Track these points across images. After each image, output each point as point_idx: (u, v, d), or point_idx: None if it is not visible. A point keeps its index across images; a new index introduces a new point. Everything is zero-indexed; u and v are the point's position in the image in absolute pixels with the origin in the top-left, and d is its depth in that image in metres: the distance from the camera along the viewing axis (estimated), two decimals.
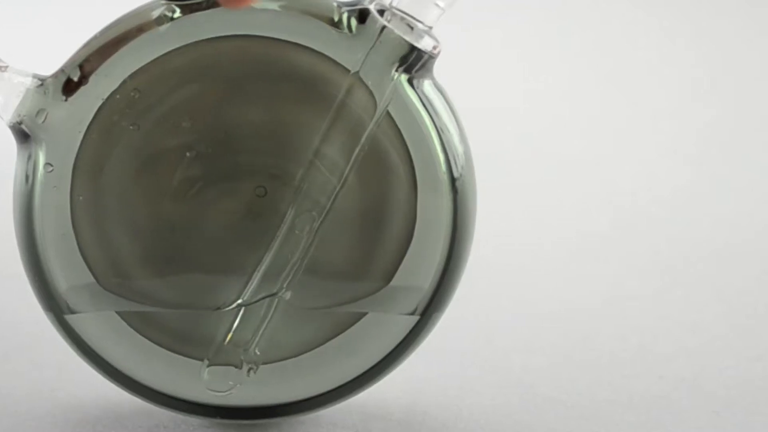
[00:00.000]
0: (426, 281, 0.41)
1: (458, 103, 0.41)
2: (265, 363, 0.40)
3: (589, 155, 0.81)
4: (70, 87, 0.39)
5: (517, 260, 0.66)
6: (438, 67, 0.41)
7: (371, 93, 0.39)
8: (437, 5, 0.40)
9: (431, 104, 0.40)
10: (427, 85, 0.40)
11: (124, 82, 0.39)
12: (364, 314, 0.41)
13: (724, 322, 0.57)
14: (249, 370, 0.40)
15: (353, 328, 0.41)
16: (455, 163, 0.40)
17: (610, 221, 0.73)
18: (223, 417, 0.41)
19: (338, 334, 0.41)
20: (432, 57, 0.40)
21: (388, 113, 0.39)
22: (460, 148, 0.40)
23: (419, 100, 0.40)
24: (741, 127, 0.83)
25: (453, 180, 0.40)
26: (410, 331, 0.41)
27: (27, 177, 0.40)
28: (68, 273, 0.40)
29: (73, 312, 0.40)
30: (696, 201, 0.76)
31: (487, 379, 0.48)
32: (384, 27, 0.39)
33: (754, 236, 0.71)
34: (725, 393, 0.47)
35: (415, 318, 0.41)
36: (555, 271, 0.65)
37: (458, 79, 0.44)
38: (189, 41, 0.39)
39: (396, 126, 0.40)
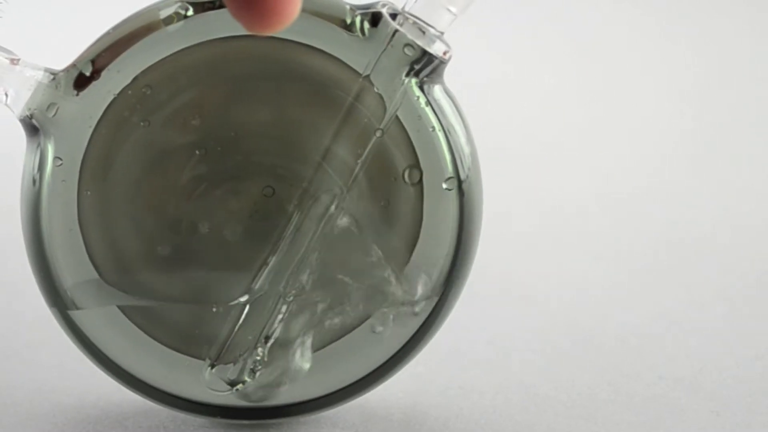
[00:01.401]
0: (432, 282, 0.41)
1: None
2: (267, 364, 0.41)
3: (591, 156, 0.81)
4: (81, 82, 0.39)
5: (517, 260, 0.66)
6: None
7: (381, 96, 0.39)
8: (449, 11, 0.40)
9: (441, 109, 0.40)
10: (437, 90, 0.40)
11: (136, 78, 0.39)
12: (368, 316, 0.41)
13: (724, 322, 0.57)
14: (251, 371, 0.40)
15: (357, 330, 0.41)
16: (462, 165, 0.40)
17: (611, 222, 0.73)
18: (224, 417, 0.41)
19: (342, 336, 0.41)
20: (443, 62, 0.40)
21: (396, 117, 0.40)
22: (466, 150, 0.40)
23: (429, 105, 0.40)
24: (743, 124, 0.83)
25: (459, 182, 0.40)
26: (415, 333, 0.41)
27: (35, 171, 0.40)
28: (74, 268, 0.40)
29: (77, 308, 0.40)
30: (696, 201, 0.76)
31: (487, 379, 0.48)
32: (396, 31, 0.39)
33: (754, 236, 0.71)
34: (725, 393, 0.47)
35: (420, 320, 0.41)
36: (555, 272, 0.65)
37: (457, 80, 0.44)
38: (201, 40, 0.39)
39: (405, 130, 0.40)
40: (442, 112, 0.40)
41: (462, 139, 0.40)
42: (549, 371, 0.49)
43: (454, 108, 0.40)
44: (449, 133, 0.40)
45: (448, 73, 0.41)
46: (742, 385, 0.48)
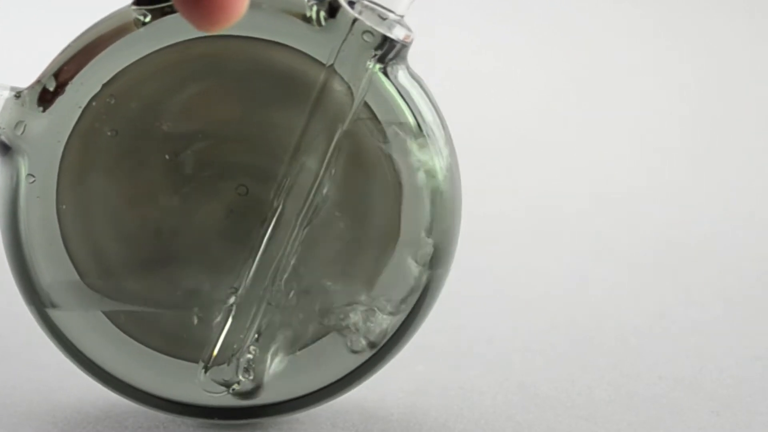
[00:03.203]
0: (412, 278, 0.40)
1: (450, 99, 0.41)
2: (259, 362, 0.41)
3: (590, 155, 0.81)
4: (46, 97, 0.39)
5: (516, 260, 0.66)
6: (435, 65, 0.40)
7: (348, 85, 0.39)
8: None
9: (407, 93, 0.40)
10: (401, 75, 0.40)
11: (101, 89, 0.39)
12: (356, 310, 0.41)
13: (724, 322, 0.57)
14: (245, 370, 0.40)
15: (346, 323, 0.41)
16: (436, 151, 0.40)
17: (610, 222, 0.73)
18: (220, 418, 0.41)
19: (329, 332, 0.41)
20: (405, 46, 0.40)
21: (366, 104, 0.40)
22: (437, 132, 0.40)
23: (395, 89, 0.40)
24: (743, 124, 0.83)
25: (433, 171, 0.40)
26: (398, 329, 0.41)
27: (10, 188, 0.40)
28: (56, 277, 0.40)
29: (61, 314, 0.40)
30: (696, 201, 0.76)
31: (487, 379, 0.48)
32: (355, 19, 0.39)
33: (754, 236, 0.71)
34: (725, 393, 0.47)
35: (402, 316, 0.41)
36: (555, 272, 0.65)
37: (456, 78, 0.44)
38: (162, 45, 0.39)
39: (375, 117, 0.40)
40: (409, 95, 0.40)
41: (432, 124, 0.40)
42: (549, 371, 0.49)
43: (421, 91, 0.40)
44: (419, 118, 0.40)
45: (447, 71, 0.41)
46: (742, 385, 0.48)
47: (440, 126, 0.41)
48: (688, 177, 0.79)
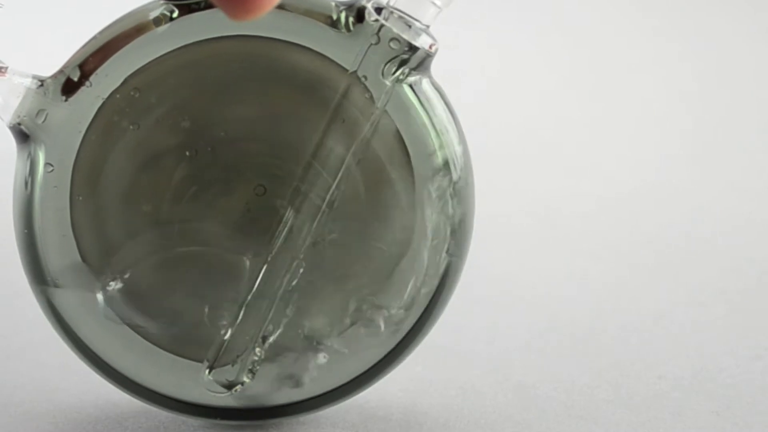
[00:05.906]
0: (424, 282, 0.40)
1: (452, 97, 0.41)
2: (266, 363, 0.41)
3: (591, 156, 0.81)
4: (69, 87, 0.39)
5: (517, 260, 0.66)
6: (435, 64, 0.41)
7: (369, 92, 0.39)
8: (434, 4, 0.40)
9: (429, 103, 0.40)
10: (425, 84, 0.40)
11: (124, 81, 0.39)
12: (363, 314, 0.41)
13: (724, 322, 0.57)
14: (250, 372, 0.40)
15: (352, 328, 0.41)
16: (454, 165, 0.40)
17: (611, 222, 0.73)
18: (223, 418, 0.41)
19: (338, 334, 0.41)
20: (429, 55, 0.40)
21: (386, 112, 0.40)
22: (458, 150, 0.40)
23: (417, 99, 0.40)
24: (743, 124, 0.83)
25: (451, 182, 0.40)
26: (408, 333, 0.41)
27: (27, 177, 0.40)
28: (68, 272, 0.40)
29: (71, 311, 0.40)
30: (696, 202, 0.76)
31: (487, 379, 0.48)
32: (382, 26, 0.39)
33: (754, 236, 0.71)
34: (725, 393, 0.47)
35: (413, 319, 0.41)
36: (555, 271, 0.65)
37: (457, 77, 0.44)
38: (188, 41, 0.39)
39: (394, 125, 0.40)
40: (431, 106, 0.40)
41: (453, 137, 0.40)
42: (549, 371, 0.49)
43: (443, 102, 0.40)
44: (440, 132, 0.40)
45: (448, 71, 0.41)
46: (742, 385, 0.48)
47: (459, 140, 0.40)
48: (688, 177, 0.79)
